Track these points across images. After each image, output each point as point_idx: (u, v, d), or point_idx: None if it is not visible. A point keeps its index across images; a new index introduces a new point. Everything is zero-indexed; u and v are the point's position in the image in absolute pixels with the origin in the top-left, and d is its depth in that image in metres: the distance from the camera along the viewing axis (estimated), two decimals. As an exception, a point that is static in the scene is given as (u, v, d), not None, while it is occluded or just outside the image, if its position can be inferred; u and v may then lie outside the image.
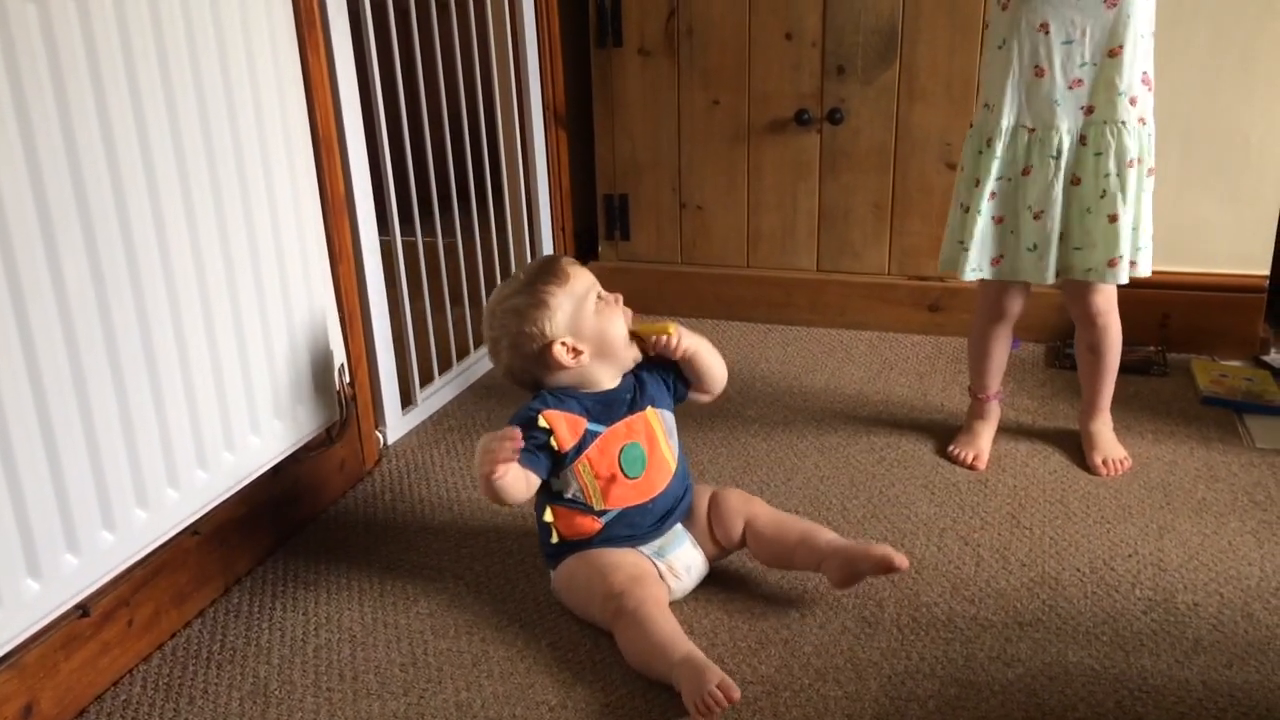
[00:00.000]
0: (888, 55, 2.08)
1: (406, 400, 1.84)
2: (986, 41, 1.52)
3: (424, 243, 1.87)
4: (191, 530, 1.33)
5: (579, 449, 1.29)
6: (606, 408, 1.31)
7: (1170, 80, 1.91)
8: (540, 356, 1.30)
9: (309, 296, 1.51)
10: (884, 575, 1.29)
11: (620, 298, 1.34)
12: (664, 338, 1.33)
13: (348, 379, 1.62)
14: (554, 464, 1.29)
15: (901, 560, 1.26)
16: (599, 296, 1.32)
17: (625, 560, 1.29)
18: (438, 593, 1.39)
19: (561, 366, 1.29)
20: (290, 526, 1.53)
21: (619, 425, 1.31)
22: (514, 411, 1.31)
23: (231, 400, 1.37)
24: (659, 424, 1.35)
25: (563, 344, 1.29)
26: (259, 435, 1.43)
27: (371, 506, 1.62)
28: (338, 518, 1.59)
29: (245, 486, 1.41)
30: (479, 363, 2.07)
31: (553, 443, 1.27)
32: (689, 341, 1.35)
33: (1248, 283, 2.00)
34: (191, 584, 1.35)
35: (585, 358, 1.30)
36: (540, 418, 1.27)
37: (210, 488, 1.34)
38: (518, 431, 1.22)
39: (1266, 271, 2.00)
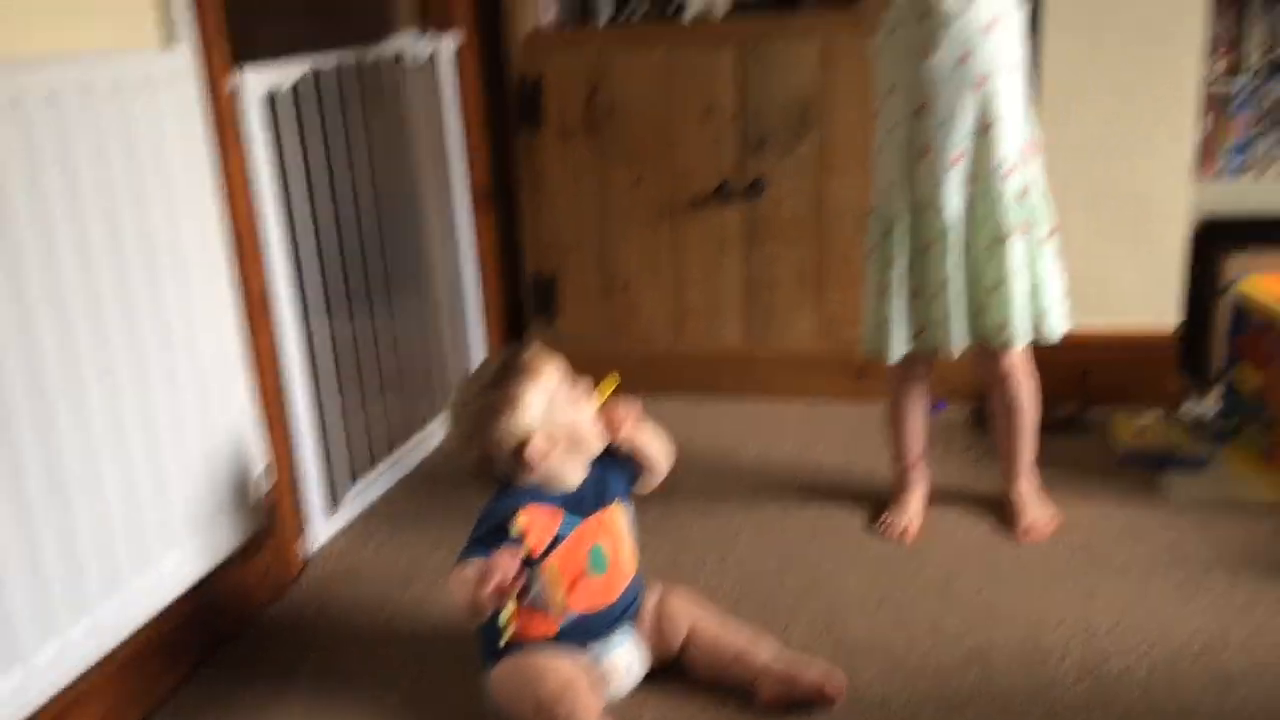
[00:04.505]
0: (801, 130, 2.12)
1: (334, 500, 1.81)
2: (877, 127, 1.59)
3: (350, 332, 1.85)
4: (108, 657, 1.29)
5: (549, 549, 1.28)
6: (577, 504, 1.31)
7: (1074, 141, 1.98)
8: (513, 456, 1.28)
9: (227, 404, 1.49)
10: (818, 702, 1.27)
11: (582, 382, 1.34)
12: (624, 425, 1.34)
13: (270, 486, 1.59)
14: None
15: (835, 688, 1.26)
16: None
17: (561, 665, 1.27)
18: (368, 703, 1.36)
19: (533, 465, 1.28)
20: (213, 642, 1.48)
21: (590, 520, 1.31)
22: (477, 504, 1.30)
23: (147, 520, 1.33)
24: (621, 520, 1.36)
25: (536, 442, 1.28)
26: (175, 554, 1.39)
27: (297, 617, 1.57)
28: (263, 630, 1.54)
29: (164, 606, 1.37)
30: (408, 455, 2.05)
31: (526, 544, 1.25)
32: (646, 429, 1.38)
33: (1157, 337, 2.06)
34: (109, 716, 1.29)
35: (558, 452, 1.30)
36: (514, 524, 1.25)
37: (124, 615, 1.30)
38: (511, 567, 1.19)
39: (1174, 324, 2.06)
